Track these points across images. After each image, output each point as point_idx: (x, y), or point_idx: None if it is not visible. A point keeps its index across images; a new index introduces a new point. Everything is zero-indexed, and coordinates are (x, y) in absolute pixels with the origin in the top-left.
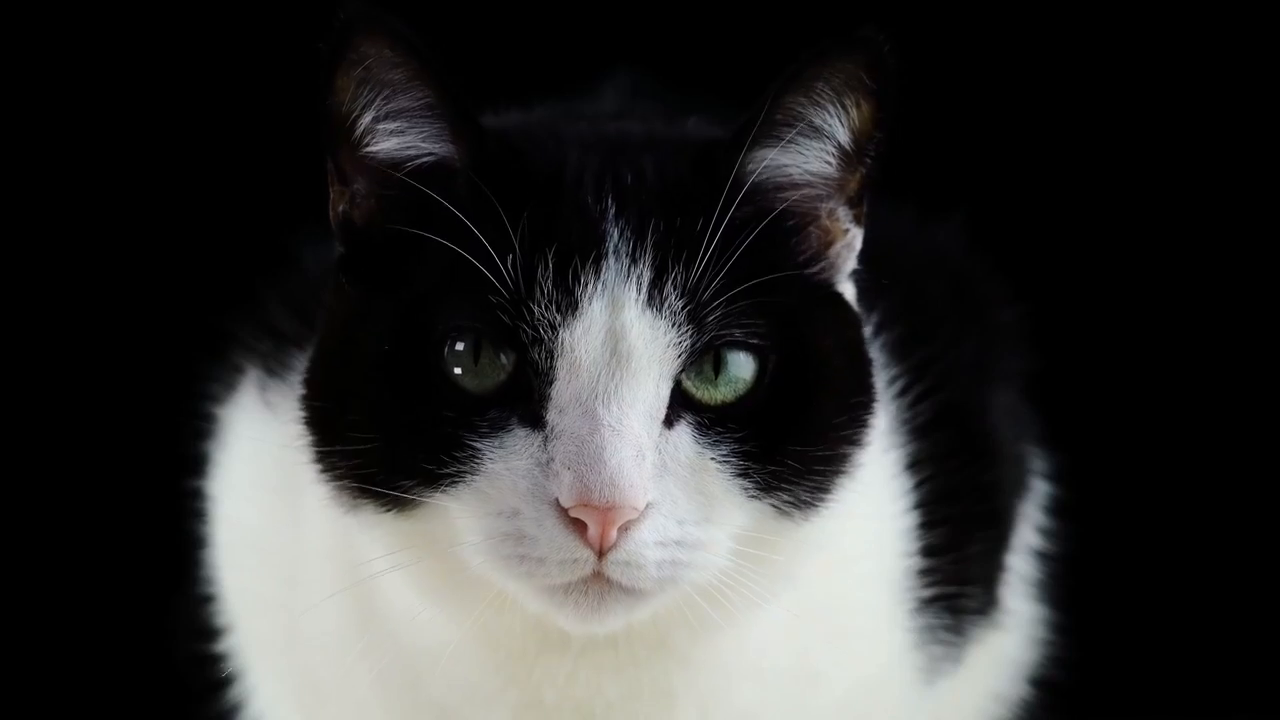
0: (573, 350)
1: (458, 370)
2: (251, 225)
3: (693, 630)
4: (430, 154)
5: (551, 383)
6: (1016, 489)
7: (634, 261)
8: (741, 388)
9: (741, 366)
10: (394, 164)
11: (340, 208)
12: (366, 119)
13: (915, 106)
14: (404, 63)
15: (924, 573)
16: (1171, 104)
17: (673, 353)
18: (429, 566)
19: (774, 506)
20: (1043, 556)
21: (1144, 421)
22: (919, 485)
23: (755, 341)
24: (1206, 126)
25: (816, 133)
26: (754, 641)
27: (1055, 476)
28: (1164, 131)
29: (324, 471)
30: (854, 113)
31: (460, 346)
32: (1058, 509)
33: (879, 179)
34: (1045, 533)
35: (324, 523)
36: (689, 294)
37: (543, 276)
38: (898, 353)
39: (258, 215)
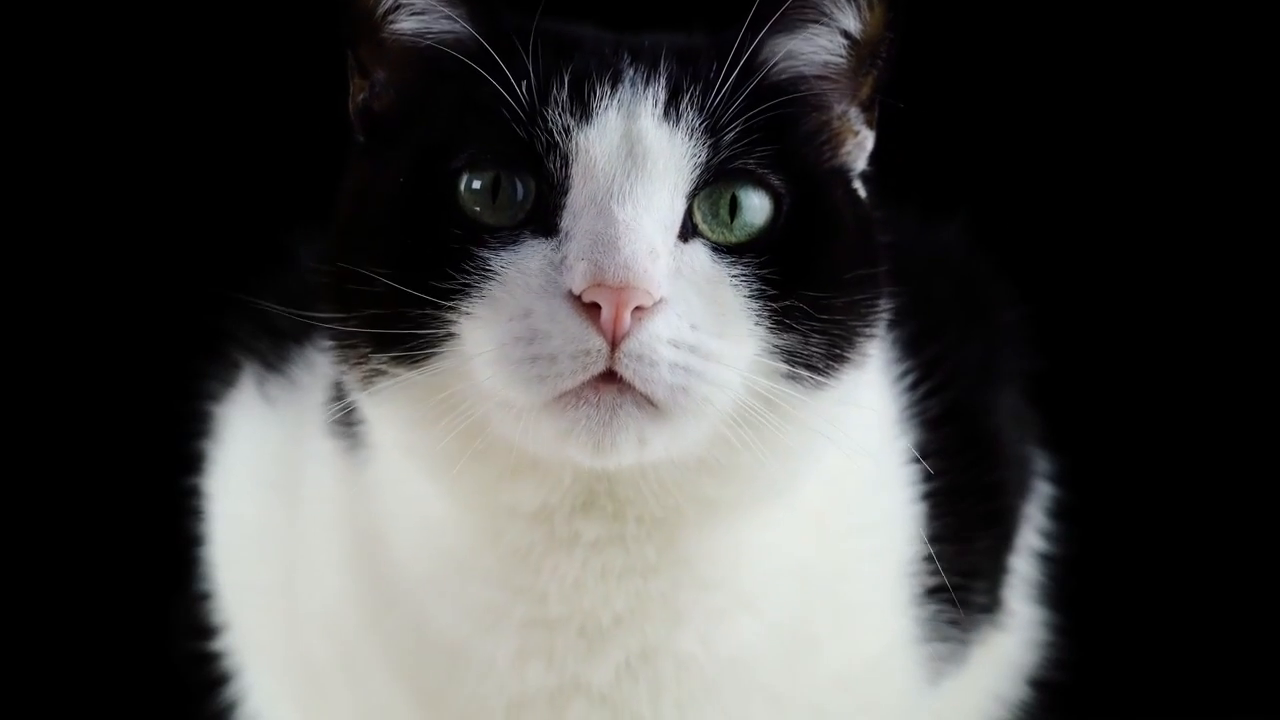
0: (588, 152)
1: (477, 208)
2: (249, 224)
3: (700, 517)
4: (450, 32)
5: (566, 192)
6: (1020, 490)
7: (648, 83)
8: (754, 231)
9: (756, 211)
10: (416, 38)
11: (360, 97)
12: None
13: (917, 107)
14: None
15: (929, 560)
16: (1171, 104)
17: (689, 165)
18: (445, 428)
19: (785, 357)
20: (1044, 558)
21: (1145, 423)
22: (926, 480)
23: (770, 178)
24: (1206, 126)
25: (829, 21)
26: (754, 573)
27: (1056, 478)
28: (1164, 131)
29: (341, 343)
30: (865, 10)
31: (478, 185)
32: (1059, 511)
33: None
34: (1046, 534)
35: (327, 485)
36: (706, 113)
37: (558, 91)
38: (908, 349)
39: (256, 214)
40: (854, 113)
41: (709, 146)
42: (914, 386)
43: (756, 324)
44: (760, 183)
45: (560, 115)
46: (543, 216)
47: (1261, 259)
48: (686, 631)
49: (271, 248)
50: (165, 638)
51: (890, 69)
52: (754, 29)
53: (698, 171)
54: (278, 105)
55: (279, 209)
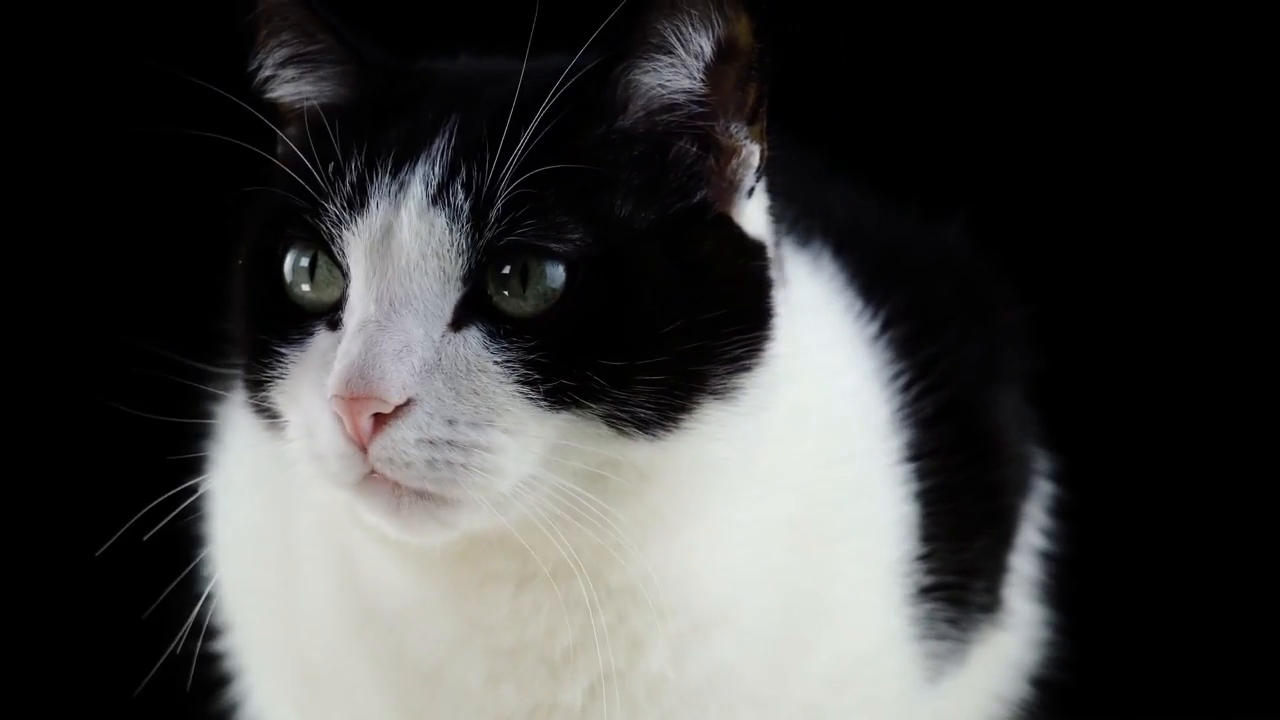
0: (356, 247)
1: (303, 287)
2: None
3: (607, 559)
4: (319, 95)
5: (350, 284)
6: (1021, 489)
7: (432, 163)
8: (551, 298)
9: (550, 278)
10: (291, 106)
11: (280, 149)
12: (269, 66)
13: (918, 107)
14: (297, 9)
15: (924, 558)
16: (1171, 104)
17: (453, 251)
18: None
19: (604, 421)
20: (1044, 557)
21: (1145, 423)
22: (924, 478)
23: (554, 247)
24: (1206, 126)
25: (678, 50)
26: (719, 592)
27: (1057, 477)
28: (1164, 131)
29: (240, 393)
30: (723, 28)
31: (304, 262)
32: (1059, 510)
33: (777, 107)
34: (1047, 533)
35: (314, 490)
36: (475, 193)
37: (345, 178)
38: (904, 349)
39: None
40: (735, 127)
41: (472, 231)
42: (911, 386)
43: (537, 406)
44: (544, 253)
45: (338, 207)
46: (336, 307)
47: (1261, 259)
48: (651, 656)
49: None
50: (167, 639)
51: (771, 78)
52: (596, 66)
53: (465, 255)
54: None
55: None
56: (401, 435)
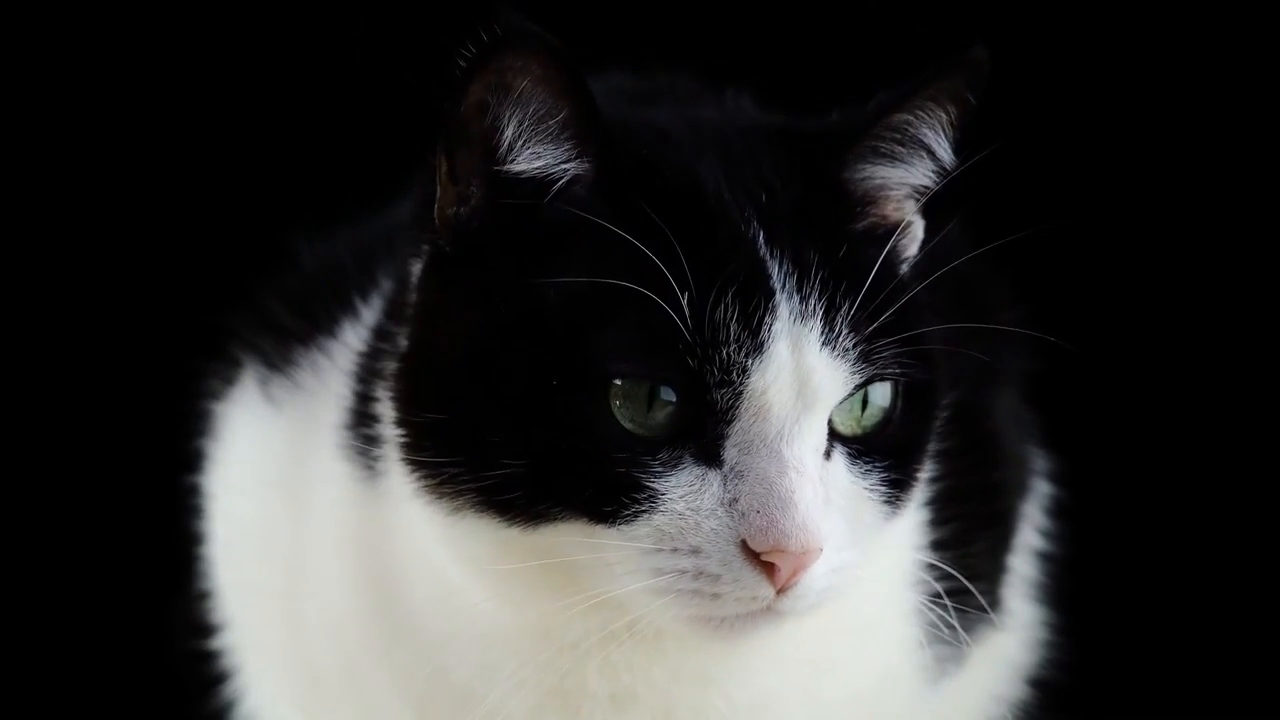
0: (764, 393)
1: (626, 416)
2: (249, 224)
3: None
4: (565, 172)
5: (732, 421)
6: (1020, 490)
7: (804, 300)
8: (879, 415)
9: (883, 396)
10: (531, 181)
11: (450, 210)
12: (508, 135)
13: None
14: (550, 80)
15: (932, 567)
16: (1172, 105)
17: (844, 390)
18: (534, 572)
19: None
20: (1043, 557)
21: (1145, 423)
22: (932, 482)
23: (896, 371)
24: (1206, 126)
25: (925, 151)
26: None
27: (1055, 478)
28: (1164, 132)
29: (433, 481)
30: (951, 130)
31: (634, 393)
32: (1058, 510)
33: None
34: (1046, 534)
35: (339, 509)
36: (855, 330)
37: (727, 317)
38: None
39: (254, 214)
40: (910, 204)
41: (863, 370)
42: None
43: (887, 519)
44: (893, 379)
45: (735, 351)
46: (700, 437)
47: (1261, 259)
48: (712, 691)
49: (271, 248)
50: (165, 636)
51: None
52: (854, 163)
53: (849, 390)
54: (278, 105)
55: (279, 209)
56: (818, 572)
